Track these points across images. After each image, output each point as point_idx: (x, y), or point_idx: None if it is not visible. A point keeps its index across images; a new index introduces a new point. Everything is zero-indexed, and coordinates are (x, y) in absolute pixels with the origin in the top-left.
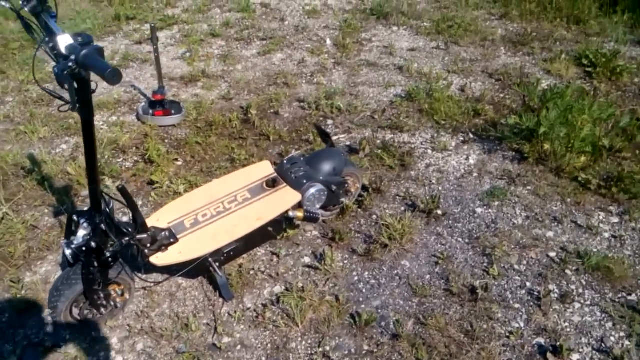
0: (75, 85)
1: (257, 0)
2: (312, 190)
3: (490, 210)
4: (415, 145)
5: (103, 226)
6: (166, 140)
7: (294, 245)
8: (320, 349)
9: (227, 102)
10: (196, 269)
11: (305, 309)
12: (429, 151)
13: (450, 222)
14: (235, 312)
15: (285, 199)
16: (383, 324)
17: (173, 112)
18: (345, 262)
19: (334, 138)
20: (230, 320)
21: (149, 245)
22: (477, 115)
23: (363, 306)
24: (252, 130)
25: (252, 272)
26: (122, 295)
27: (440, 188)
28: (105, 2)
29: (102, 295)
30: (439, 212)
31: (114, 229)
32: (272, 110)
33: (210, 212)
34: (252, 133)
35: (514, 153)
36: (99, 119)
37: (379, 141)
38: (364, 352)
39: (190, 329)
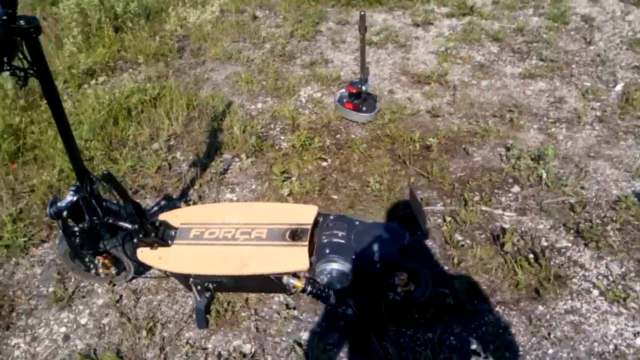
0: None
1: (581, 10)
2: (330, 267)
3: None
4: (586, 274)
5: (80, 202)
6: (338, 135)
7: (311, 312)
8: None
9: (432, 118)
10: (180, 282)
11: None
12: (594, 292)
13: None
14: (194, 343)
15: (289, 260)
16: None
17: (364, 109)
18: None
19: (498, 211)
20: (181, 349)
21: (140, 236)
22: None
23: None
24: (424, 160)
25: (246, 314)
26: (108, 268)
27: (549, 352)
28: None
29: (87, 259)
30: None
31: (91, 208)
32: (464, 147)
33: (218, 234)
34: (419, 164)
35: None
36: (306, 90)
37: (545, 243)
38: None
39: (143, 334)
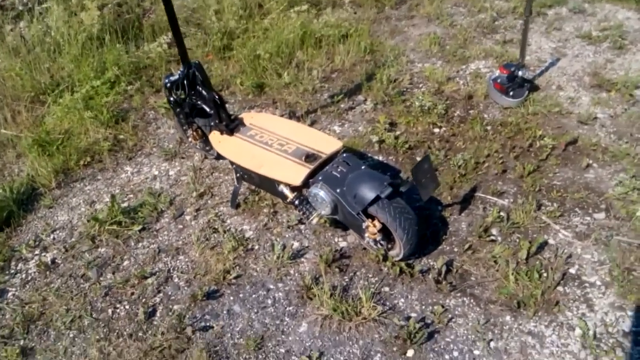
0: None
1: None
2: (315, 191)
3: None
4: (588, 315)
5: (179, 80)
6: (471, 110)
7: (312, 234)
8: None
9: (578, 123)
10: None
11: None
12: (577, 331)
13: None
14: (220, 215)
15: (289, 173)
16: None
17: (511, 94)
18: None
19: (557, 226)
20: (210, 215)
21: (216, 121)
22: None
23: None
24: (531, 158)
25: (267, 211)
26: (196, 139)
27: (475, 353)
28: None
29: (181, 126)
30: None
31: (184, 86)
32: (586, 160)
33: (264, 139)
34: (523, 159)
35: None
36: (478, 63)
37: (574, 271)
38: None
39: (194, 194)
